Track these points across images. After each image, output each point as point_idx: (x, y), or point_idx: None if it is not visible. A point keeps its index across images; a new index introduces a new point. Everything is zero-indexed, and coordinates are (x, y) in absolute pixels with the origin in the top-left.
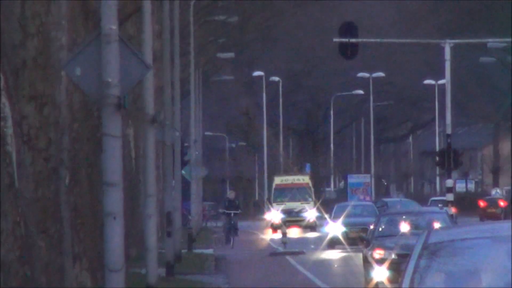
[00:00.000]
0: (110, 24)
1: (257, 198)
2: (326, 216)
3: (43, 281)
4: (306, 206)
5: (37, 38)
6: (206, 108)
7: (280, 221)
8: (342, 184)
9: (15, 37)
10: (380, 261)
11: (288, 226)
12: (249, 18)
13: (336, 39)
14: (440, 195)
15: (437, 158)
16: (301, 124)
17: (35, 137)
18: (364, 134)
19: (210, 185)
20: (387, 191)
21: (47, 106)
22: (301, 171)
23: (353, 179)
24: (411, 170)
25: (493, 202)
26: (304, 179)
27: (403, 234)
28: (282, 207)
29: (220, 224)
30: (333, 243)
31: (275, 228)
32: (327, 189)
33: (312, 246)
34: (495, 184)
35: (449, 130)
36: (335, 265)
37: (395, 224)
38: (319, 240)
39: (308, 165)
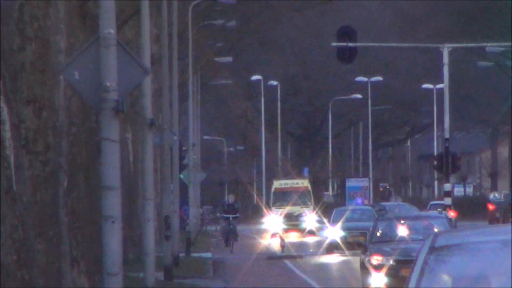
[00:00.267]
0: (108, 28)
1: (255, 202)
2: (325, 220)
3: (41, 284)
4: (306, 210)
5: (35, 42)
6: (204, 112)
7: (279, 226)
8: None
9: (13, 41)
10: (378, 267)
11: (287, 230)
12: (247, 22)
13: (334, 43)
14: (439, 199)
15: (435, 162)
16: (300, 128)
17: (33, 141)
18: (362, 138)
19: (208, 189)
20: (389, 196)
21: (45, 110)
22: (299, 175)
23: (351, 183)
24: (409, 174)
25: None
26: (303, 183)
27: (402, 239)
28: (281, 211)
29: (219, 228)
30: (332, 248)
31: (274, 233)
32: (326, 193)
33: (311, 250)
34: (494, 188)
35: (447, 134)
36: (334, 269)
37: (393, 229)
38: (318, 244)
39: (306, 169)
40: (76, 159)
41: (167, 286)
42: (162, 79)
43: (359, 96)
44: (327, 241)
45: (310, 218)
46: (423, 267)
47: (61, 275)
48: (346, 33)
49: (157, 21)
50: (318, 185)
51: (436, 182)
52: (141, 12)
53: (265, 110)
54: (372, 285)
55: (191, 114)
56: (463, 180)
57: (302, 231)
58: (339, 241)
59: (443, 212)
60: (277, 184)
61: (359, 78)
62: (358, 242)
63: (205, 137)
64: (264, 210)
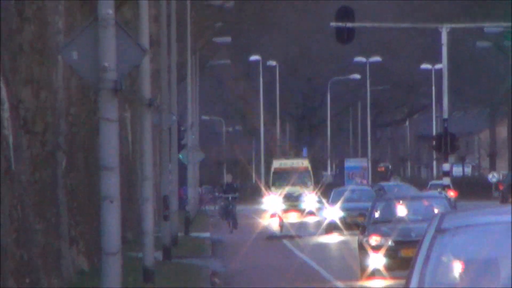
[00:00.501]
0: (107, 9)
1: (254, 182)
2: (324, 201)
3: (40, 264)
4: (306, 190)
5: (34, 22)
6: (202, 92)
7: (278, 206)
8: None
9: (12, 22)
10: (376, 248)
11: (287, 211)
12: (246, 2)
13: (333, 24)
14: (438, 180)
15: (434, 143)
16: (298, 108)
17: (32, 121)
18: (361, 119)
19: (206, 169)
20: (390, 176)
21: (44, 90)
22: (298, 155)
23: (350, 163)
24: (408, 154)
25: None
26: (303, 162)
27: (401, 220)
28: (280, 191)
29: (217, 208)
30: (331, 228)
31: (273, 213)
32: (324, 173)
33: (310, 231)
34: (492, 168)
35: (445, 115)
36: (332, 249)
37: (392, 209)
38: (318, 224)
39: (305, 149)
40: (75, 139)
41: (166, 266)
42: (160, 59)
43: (357, 76)
44: (326, 222)
45: (309, 198)
46: (429, 250)
47: (60, 255)
48: (344, 14)
49: (156, 2)
50: (316, 165)
51: (434, 162)
52: None
53: (263, 91)
54: (371, 266)
55: (190, 95)
56: (461, 160)
57: (301, 211)
58: (338, 221)
59: (443, 192)
60: (276, 164)
61: (357, 59)
62: (357, 223)
63: (204, 117)
64: (263, 190)
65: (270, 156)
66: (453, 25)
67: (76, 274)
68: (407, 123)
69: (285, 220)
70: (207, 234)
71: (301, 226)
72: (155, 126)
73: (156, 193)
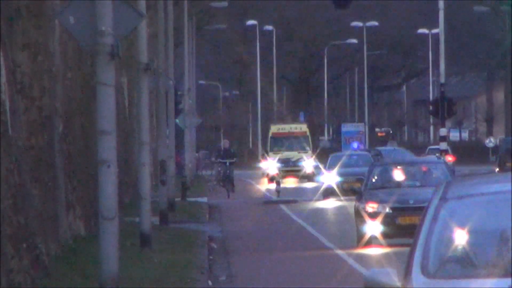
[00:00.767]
0: None
1: (251, 147)
2: (321, 166)
3: (37, 229)
4: (304, 155)
5: None
6: (199, 57)
7: (276, 171)
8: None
9: None
10: (373, 215)
11: (285, 176)
12: None
13: None
14: (435, 144)
15: (431, 107)
16: (295, 73)
17: (28, 86)
18: (358, 83)
19: (203, 134)
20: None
21: (41, 55)
22: (295, 120)
23: (347, 128)
24: (405, 119)
25: None
26: (301, 127)
27: (398, 186)
28: (278, 156)
29: (214, 172)
30: (328, 193)
31: (271, 178)
32: (321, 138)
33: (308, 196)
34: (489, 133)
35: (442, 79)
36: (329, 214)
37: (389, 175)
38: (315, 190)
39: (302, 114)
40: (72, 103)
41: (162, 231)
42: (157, 23)
43: (354, 41)
44: (323, 187)
45: (308, 163)
46: (434, 219)
47: (56, 220)
48: None
49: None
50: (314, 130)
51: (431, 127)
52: None
53: (260, 55)
54: (368, 233)
55: (187, 59)
56: (458, 125)
57: (299, 176)
58: (335, 186)
59: (441, 157)
60: (274, 128)
61: (354, 23)
62: (354, 189)
63: (201, 82)
64: (261, 155)
65: (267, 121)
66: None
67: (73, 239)
68: (404, 87)
69: (282, 185)
70: (204, 199)
71: (299, 191)
72: (151, 90)
73: (153, 158)
